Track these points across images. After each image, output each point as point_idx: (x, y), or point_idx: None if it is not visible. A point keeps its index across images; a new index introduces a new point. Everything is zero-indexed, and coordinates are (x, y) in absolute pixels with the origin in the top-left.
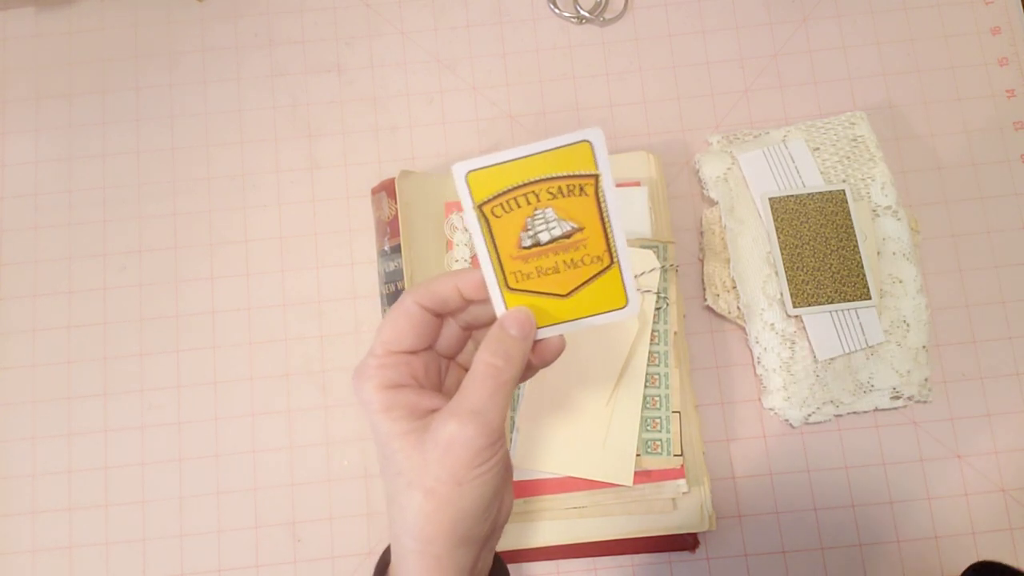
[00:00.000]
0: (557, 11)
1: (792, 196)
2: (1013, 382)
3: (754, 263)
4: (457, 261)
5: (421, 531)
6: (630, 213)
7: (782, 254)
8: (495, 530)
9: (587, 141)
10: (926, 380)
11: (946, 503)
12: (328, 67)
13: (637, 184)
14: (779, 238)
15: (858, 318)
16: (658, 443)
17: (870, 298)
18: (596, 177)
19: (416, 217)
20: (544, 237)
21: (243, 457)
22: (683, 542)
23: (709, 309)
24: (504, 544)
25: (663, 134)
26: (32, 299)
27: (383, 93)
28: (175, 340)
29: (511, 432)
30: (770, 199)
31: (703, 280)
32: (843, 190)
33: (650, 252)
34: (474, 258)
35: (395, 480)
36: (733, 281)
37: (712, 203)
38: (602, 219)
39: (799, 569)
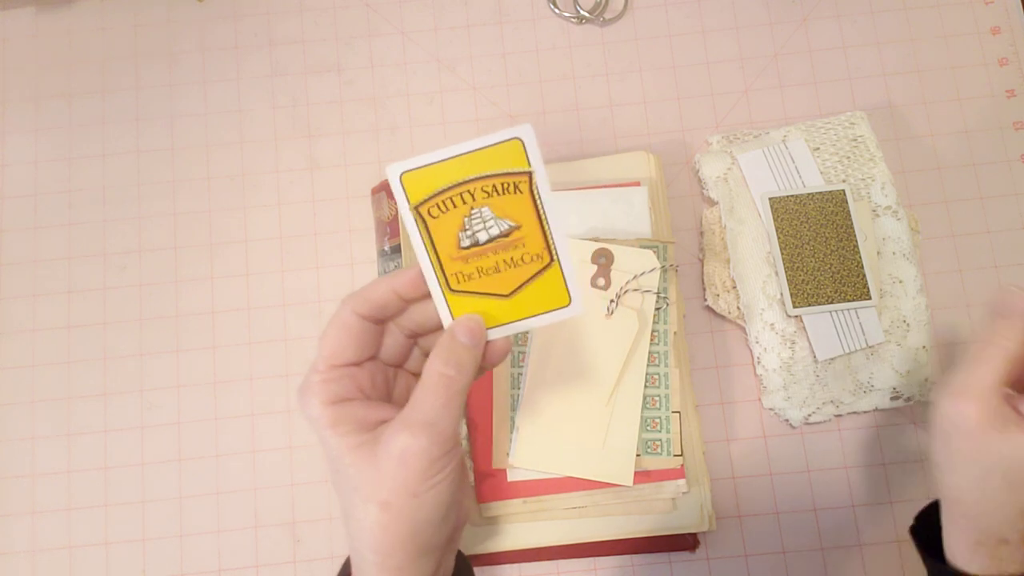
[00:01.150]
0: (557, 11)
1: (792, 196)
2: None
3: (754, 263)
4: None
5: (380, 544)
6: (630, 213)
7: (782, 254)
8: (454, 533)
9: (518, 138)
10: (926, 380)
11: None
12: (328, 67)
13: (637, 184)
14: (779, 238)
15: (858, 318)
16: (658, 443)
17: (870, 298)
18: (530, 174)
19: None
20: (482, 236)
21: (243, 457)
22: (683, 542)
23: (709, 309)
24: (504, 544)
25: (663, 134)
26: (32, 299)
27: (383, 93)
28: (175, 340)
29: (511, 432)
30: (770, 199)
31: (703, 280)
32: (843, 190)
33: (650, 252)
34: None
35: (350, 495)
36: (733, 281)
37: (712, 203)
38: (539, 216)
39: (799, 569)
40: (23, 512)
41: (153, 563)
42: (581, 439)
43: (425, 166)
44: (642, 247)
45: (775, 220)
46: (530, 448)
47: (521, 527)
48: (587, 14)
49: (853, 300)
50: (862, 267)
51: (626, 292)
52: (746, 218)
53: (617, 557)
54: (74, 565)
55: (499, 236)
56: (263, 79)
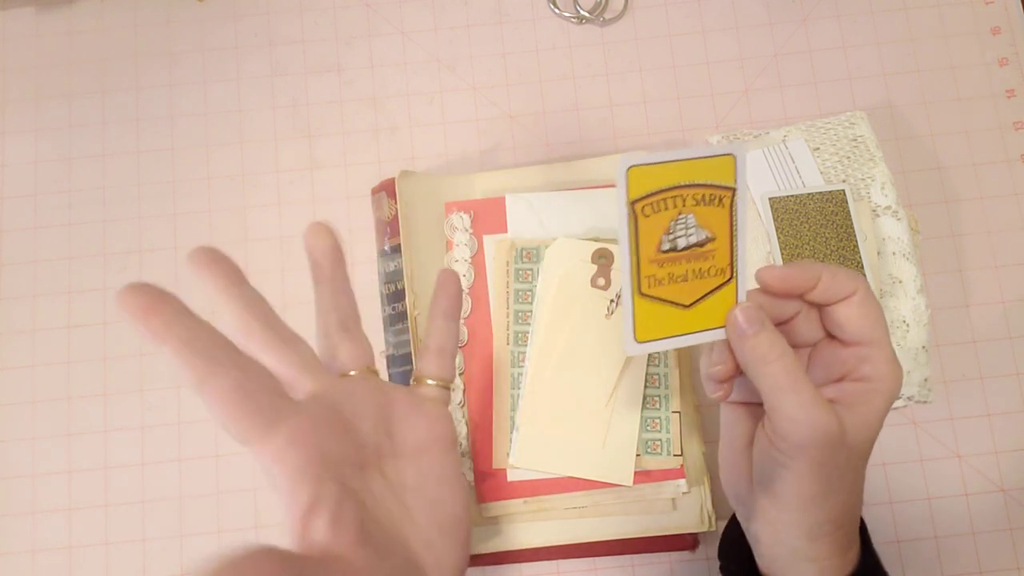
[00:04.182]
0: (557, 11)
1: (792, 196)
2: (1013, 382)
3: (754, 263)
4: (457, 261)
5: None
6: None
7: (782, 254)
8: None
9: (732, 155)
10: (926, 380)
11: (946, 503)
12: (328, 67)
13: None
14: (779, 238)
15: None
16: (658, 443)
17: None
18: (733, 191)
19: (416, 217)
20: (682, 243)
21: (243, 457)
22: (683, 542)
23: None
24: (504, 544)
25: (663, 134)
26: (32, 299)
27: (383, 93)
28: None
29: (511, 432)
30: (770, 199)
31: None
32: (843, 190)
33: None
34: (475, 258)
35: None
36: None
37: None
38: (731, 232)
39: None
40: (23, 512)
41: (153, 563)
42: (581, 439)
43: (651, 164)
44: None
45: (775, 220)
46: (530, 448)
47: (521, 527)
48: (587, 14)
49: None
50: (862, 267)
51: None
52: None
53: (617, 557)
54: (74, 565)
55: (696, 245)
56: (263, 79)
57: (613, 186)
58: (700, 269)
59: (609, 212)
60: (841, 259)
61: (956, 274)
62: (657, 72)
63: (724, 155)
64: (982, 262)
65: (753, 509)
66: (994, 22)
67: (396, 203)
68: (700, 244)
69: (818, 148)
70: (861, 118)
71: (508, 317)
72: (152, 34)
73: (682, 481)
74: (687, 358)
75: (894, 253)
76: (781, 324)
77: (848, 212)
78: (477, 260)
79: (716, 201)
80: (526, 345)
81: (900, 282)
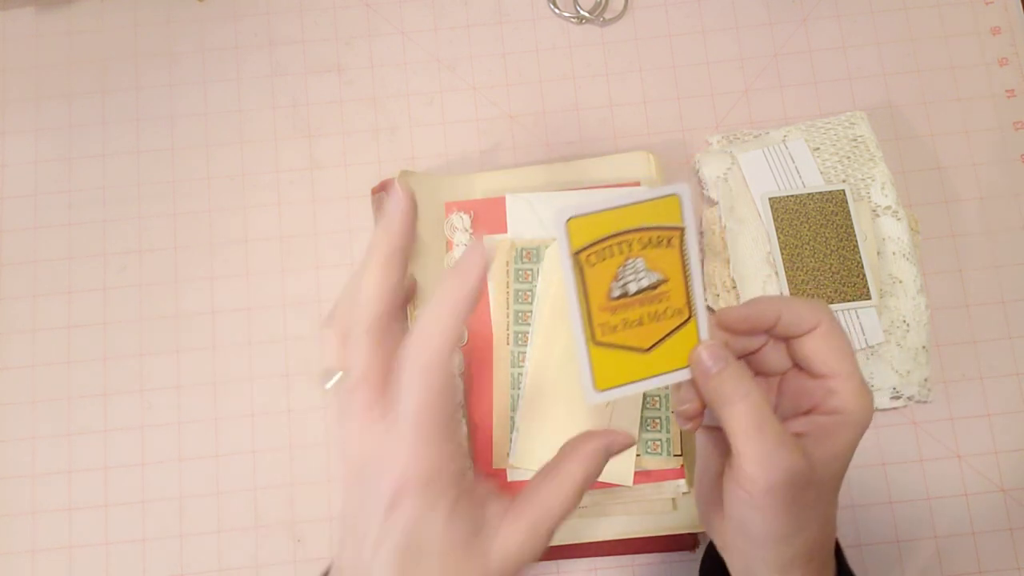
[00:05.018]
0: (557, 11)
1: (792, 196)
2: (1013, 382)
3: (754, 263)
4: None
5: None
6: None
7: (782, 254)
8: None
9: (676, 195)
10: (926, 380)
11: (946, 503)
12: (328, 67)
13: (637, 184)
14: (779, 238)
15: (858, 318)
16: (658, 443)
17: (870, 298)
18: (682, 230)
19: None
20: (632, 287)
21: (243, 457)
22: (683, 542)
23: (709, 309)
24: None
25: (663, 134)
26: (32, 299)
27: (383, 93)
28: (175, 340)
29: (511, 432)
30: (770, 199)
31: (703, 280)
32: (843, 190)
33: None
34: None
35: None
36: (733, 281)
37: (712, 203)
38: (684, 272)
39: None
40: (23, 512)
41: (153, 563)
42: None
43: (591, 213)
44: None
45: (775, 220)
46: (530, 448)
47: None
48: (587, 14)
49: (853, 300)
50: (862, 267)
51: None
52: (746, 218)
53: (617, 557)
54: (74, 565)
55: (648, 288)
56: (263, 79)
57: (614, 186)
58: (655, 312)
59: None
60: (841, 259)
61: (956, 274)
62: (657, 72)
63: (668, 196)
64: (982, 262)
65: (725, 540)
66: (994, 22)
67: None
68: (653, 287)
69: (818, 148)
70: (861, 118)
71: (508, 317)
72: (152, 34)
73: (682, 481)
74: None
75: (894, 253)
76: (748, 355)
77: (848, 212)
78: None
79: (664, 242)
80: (526, 345)
81: (900, 282)
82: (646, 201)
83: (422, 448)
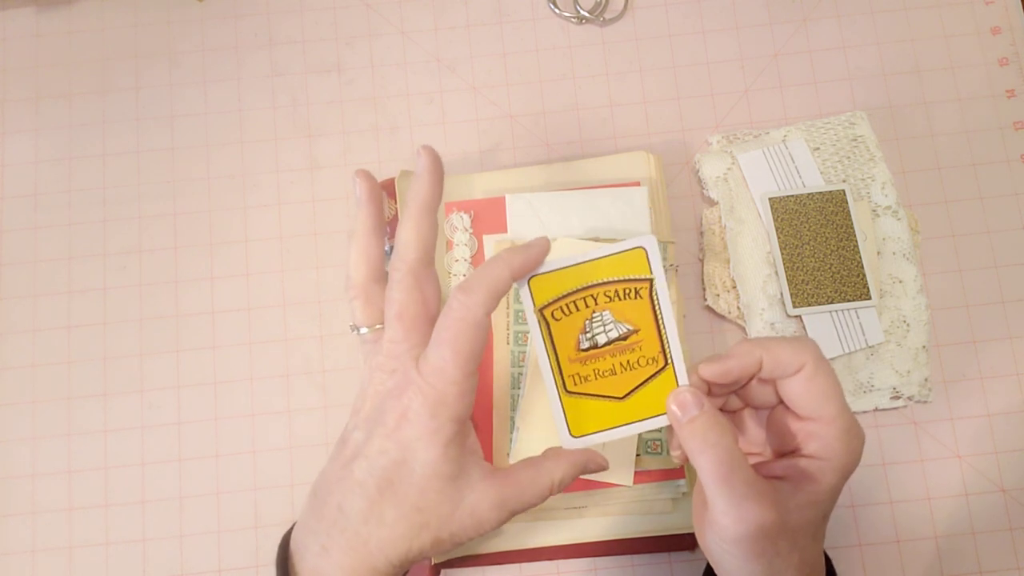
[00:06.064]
0: (557, 11)
1: (792, 196)
2: (1013, 382)
3: (754, 263)
4: (457, 261)
5: (399, 557)
6: (630, 213)
7: (782, 254)
8: None
9: (642, 247)
10: (926, 380)
11: (946, 503)
12: (328, 67)
13: (637, 184)
14: (779, 238)
15: (858, 318)
16: (658, 443)
17: (870, 298)
18: (650, 281)
19: None
20: (601, 339)
21: (243, 457)
22: (683, 542)
23: (709, 309)
24: (504, 544)
25: (663, 134)
26: (32, 299)
27: (383, 93)
28: (175, 340)
29: (511, 432)
30: (770, 199)
31: (703, 280)
32: (843, 190)
33: None
34: (475, 257)
35: (410, 516)
36: (733, 281)
37: (712, 203)
38: (656, 321)
39: None
40: (23, 512)
41: (153, 563)
42: None
43: (553, 271)
44: None
45: (775, 220)
46: (530, 448)
47: (521, 527)
48: (587, 14)
49: (853, 300)
50: (862, 267)
51: None
52: (746, 218)
53: (617, 557)
54: (74, 565)
55: (618, 339)
56: (263, 79)
57: (614, 186)
58: (628, 361)
59: (609, 212)
60: (841, 259)
61: (956, 274)
62: (657, 72)
63: (632, 249)
64: (982, 262)
65: (715, 566)
66: (994, 22)
67: (396, 203)
68: (623, 337)
69: (818, 148)
70: (861, 118)
71: (508, 317)
72: (152, 34)
73: (682, 481)
74: (687, 358)
75: (894, 253)
76: (737, 390)
77: (848, 212)
78: (477, 260)
79: (632, 294)
80: (526, 345)
81: (900, 282)
82: (609, 256)
83: (439, 380)
